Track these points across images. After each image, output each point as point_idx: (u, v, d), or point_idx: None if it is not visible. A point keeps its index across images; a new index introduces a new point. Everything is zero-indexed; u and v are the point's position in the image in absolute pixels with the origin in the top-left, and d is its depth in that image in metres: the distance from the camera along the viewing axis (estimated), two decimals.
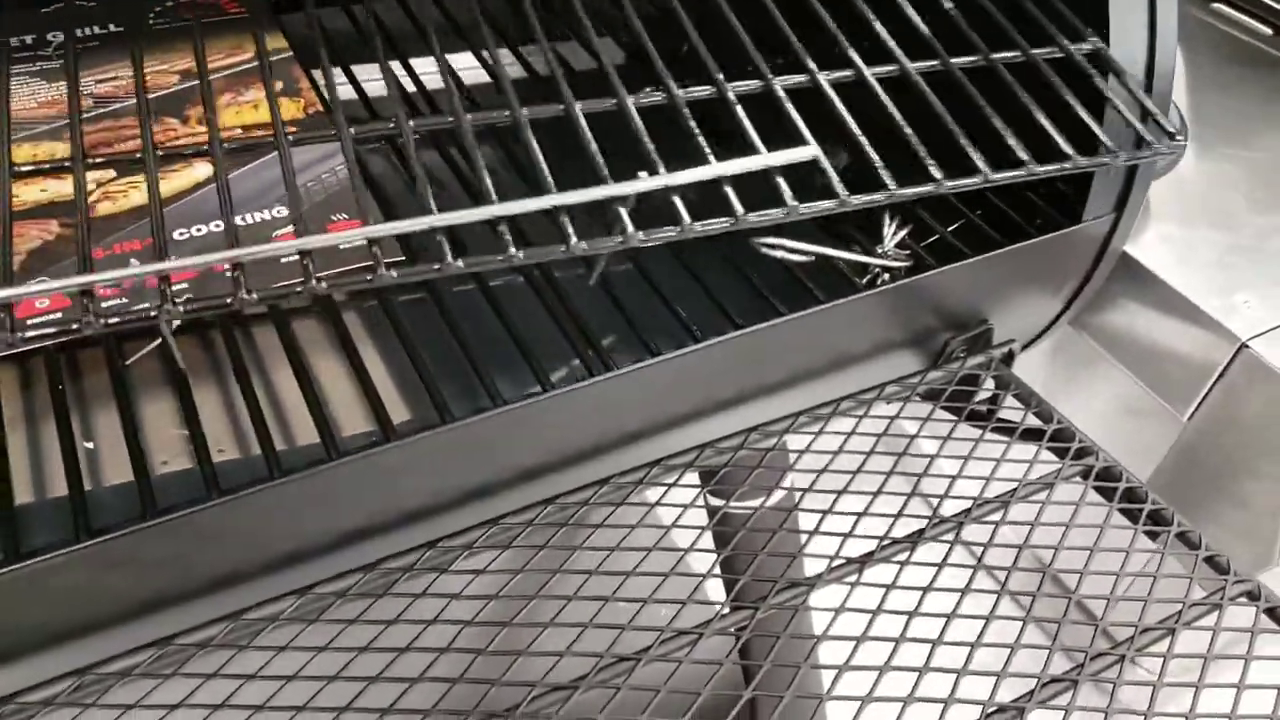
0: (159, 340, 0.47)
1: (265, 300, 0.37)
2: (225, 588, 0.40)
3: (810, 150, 0.38)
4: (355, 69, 0.65)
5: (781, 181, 0.38)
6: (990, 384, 0.54)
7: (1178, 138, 0.45)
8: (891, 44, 0.46)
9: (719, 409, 0.49)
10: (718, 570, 0.42)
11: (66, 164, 0.42)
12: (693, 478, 0.48)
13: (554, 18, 0.58)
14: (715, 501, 0.48)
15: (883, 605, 0.40)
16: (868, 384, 0.53)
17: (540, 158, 0.39)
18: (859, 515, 0.44)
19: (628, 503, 0.44)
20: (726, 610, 0.40)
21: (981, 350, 0.55)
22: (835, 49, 0.46)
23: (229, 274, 0.37)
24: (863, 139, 0.42)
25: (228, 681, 0.36)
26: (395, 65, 0.62)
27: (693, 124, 0.41)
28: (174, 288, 0.47)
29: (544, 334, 0.49)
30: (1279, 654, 0.39)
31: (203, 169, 0.55)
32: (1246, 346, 0.56)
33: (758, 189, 0.39)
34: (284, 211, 0.52)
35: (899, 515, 0.44)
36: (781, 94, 0.43)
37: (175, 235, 0.49)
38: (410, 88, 0.64)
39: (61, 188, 0.52)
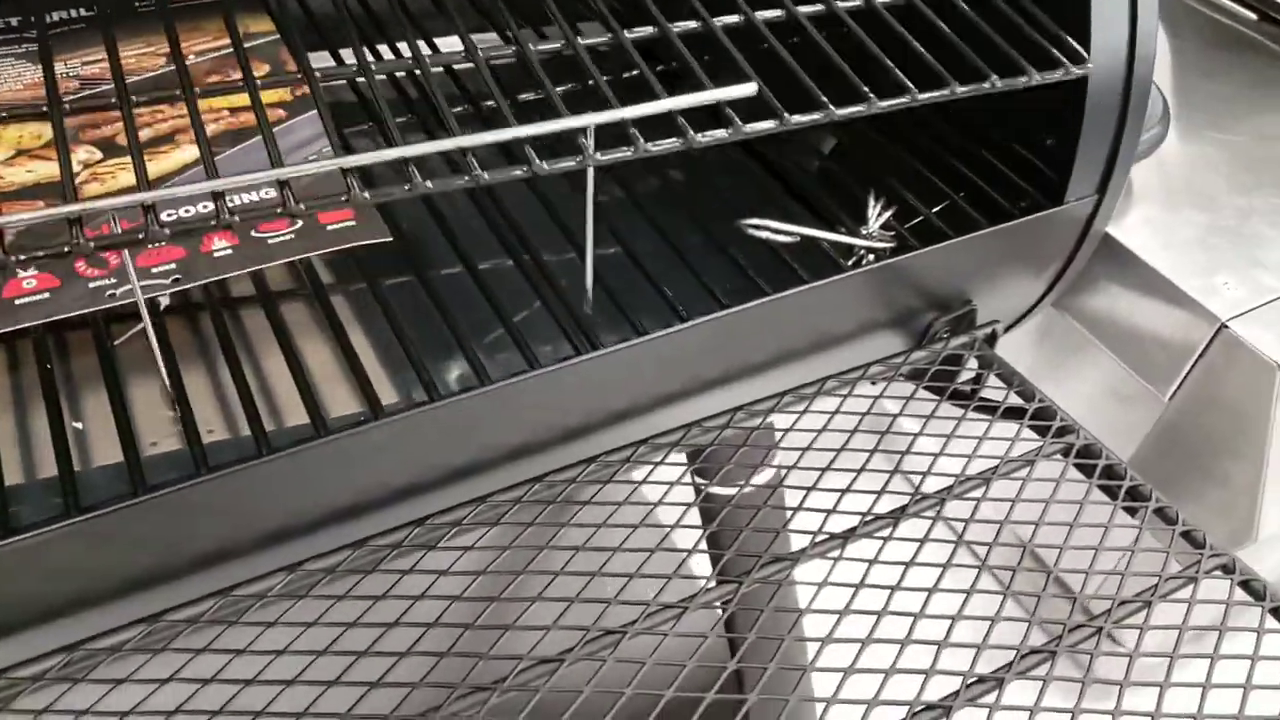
0: (146, 321, 0.47)
1: (246, 218, 0.38)
2: (214, 564, 0.40)
3: (751, 86, 0.41)
4: (342, 53, 0.64)
5: (731, 113, 0.41)
6: (973, 364, 0.55)
7: (1086, 62, 0.47)
8: None
9: (705, 388, 0.50)
10: (703, 546, 0.43)
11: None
12: (679, 456, 0.48)
13: None
14: (701, 479, 0.49)
15: (865, 579, 0.40)
16: (852, 364, 0.53)
17: (501, 96, 0.42)
18: (842, 492, 0.44)
19: (615, 480, 0.45)
20: (712, 585, 0.41)
21: (965, 331, 0.56)
22: None
23: (212, 204, 0.38)
24: (799, 69, 0.44)
25: (217, 656, 0.37)
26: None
27: (642, 63, 0.44)
28: (161, 267, 0.47)
29: (532, 315, 0.49)
30: (1252, 625, 0.39)
31: (190, 150, 0.55)
32: (1226, 327, 0.57)
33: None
34: (273, 194, 0.52)
35: (881, 492, 0.44)
36: (720, 33, 0.45)
37: (164, 216, 0.50)
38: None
39: (50, 169, 0.52)
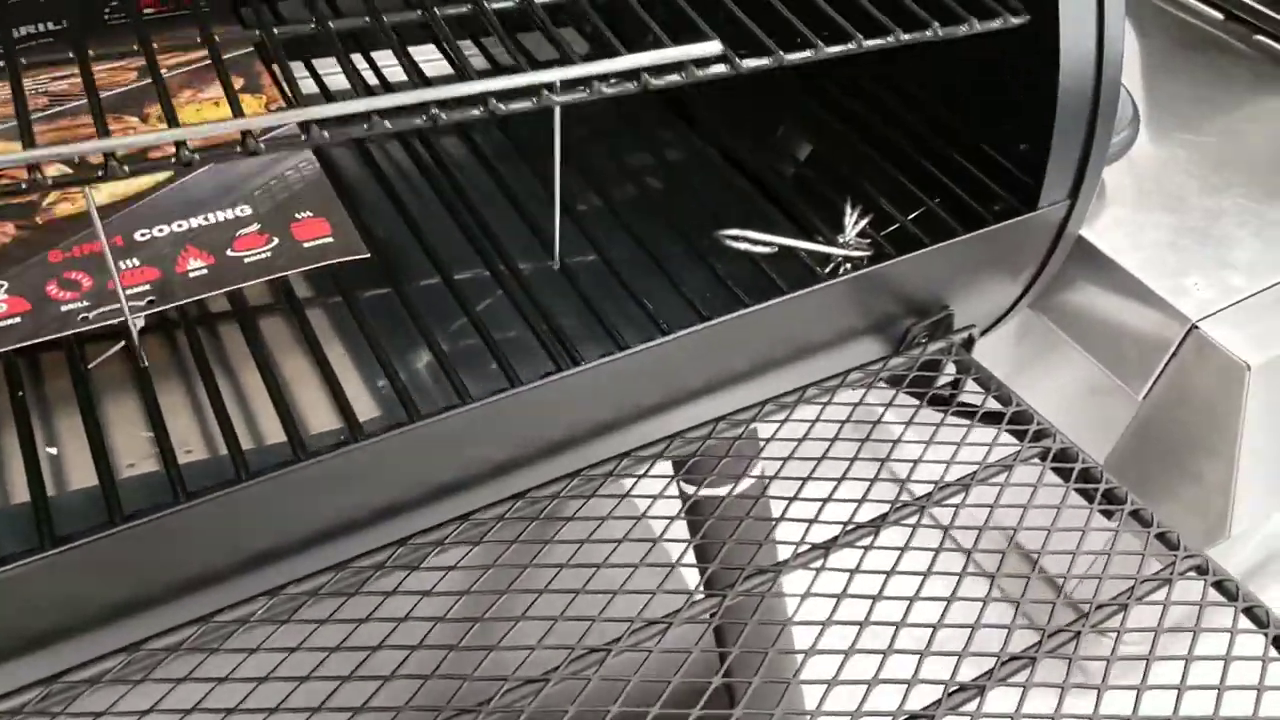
0: (122, 343, 0.47)
1: (207, 159, 0.39)
2: (194, 590, 0.40)
3: (715, 45, 0.42)
4: (316, 63, 0.64)
5: (688, 61, 0.42)
6: (951, 369, 0.55)
7: (1023, 13, 0.49)
8: None
9: (687, 399, 0.50)
10: (689, 559, 0.43)
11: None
12: (663, 468, 0.48)
13: None
14: (686, 488, 0.49)
15: (848, 589, 0.41)
16: (832, 371, 0.54)
17: (462, 54, 0.43)
18: (824, 501, 0.45)
19: (599, 495, 0.45)
20: (697, 598, 0.41)
21: (943, 336, 0.56)
22: None
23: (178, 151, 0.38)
24: (744, 18, 0.46)
25: (199, 685, 0.36)
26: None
27: (601, 24, 0.45)
28: (135, 289, 0.47)
29: (510, 329, 0.49)
30: (1226, 626, 0.40)
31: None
32: (1196, 327, 0.58)
33: None
34: (248, 210, 0.51)
35: (863, 500, 0.45)
36: None
37: (137, 236, 0.49)
38: (373, 81, 0.63)
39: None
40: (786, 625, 0.39)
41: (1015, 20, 0.49)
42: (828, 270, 0.55)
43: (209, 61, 0.58)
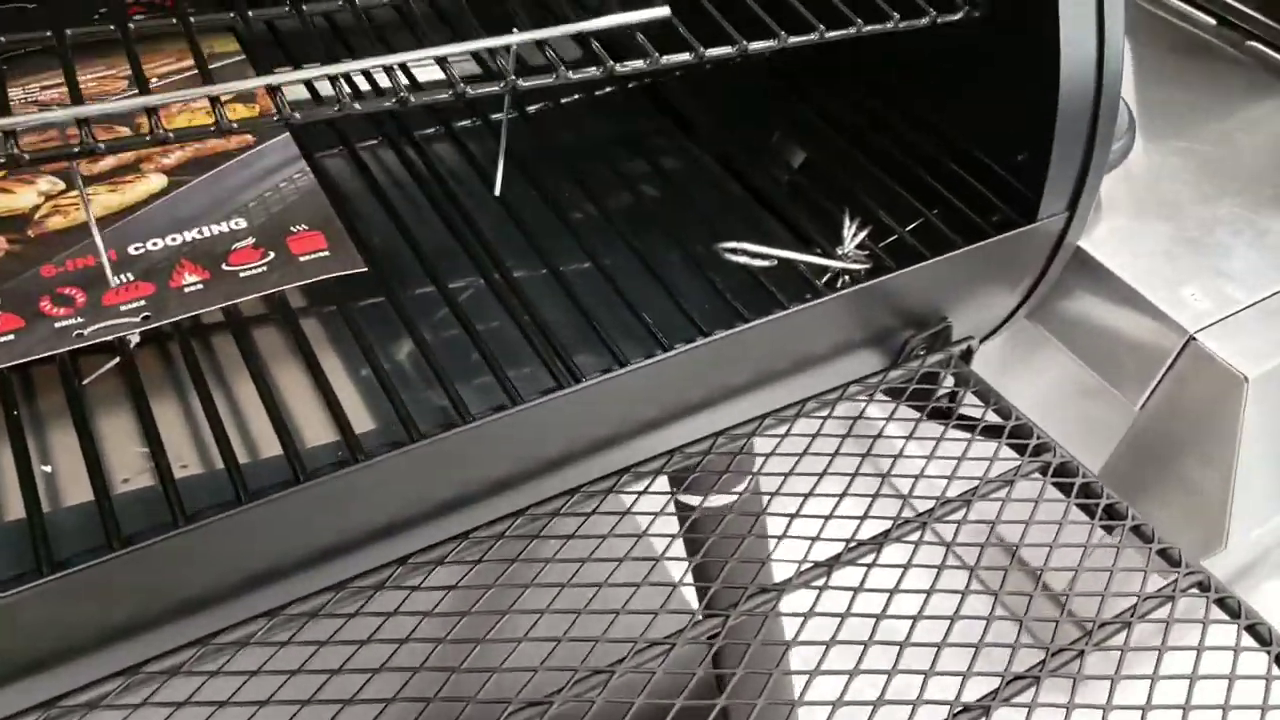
0: (117, 359, 0.46)
1: (182, 136, 0.40)
2: (193, 612, 0.40)
3: (663, 10, 0.43)
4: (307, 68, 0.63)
5: (641, 37, 0.44)
6: (950, 381, 0.55)
7: (975, 8, 0.51)
8: None
9: (687, 414, 0.50)
10: (689, 579, 0.43)
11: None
12: (662, 483, 0.48)
13: None
14: (686, 503, 0.49)
15: (851, 608, 0.41)
16: (831, 383, 0.53)
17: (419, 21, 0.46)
18: (826, 517, 0.44)
19: (599, 512, 0.44)
20: (700, 618, 0.41)
21: (941, 348, 0.56)
22: None
23: (149, 119, 0.39)
24: (716, 13, 0.47)
25: (198, 710, 0.36)
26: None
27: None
28: (131, 304, 0.46)
29: (508, 342, 0.49)
30: (1229, 643, 0.40)
31: (156, 180, 0.53)
32: (1194, 339, 0.58)
33: None
34: (242, 224, 0.51)
35: (865, 516, 0.45)
36: None
37: (131, 250, 0.48)
38: (364, 86, 0.62)
39: (10, 202, 0.51)
40: (790, 646, 0.39)
41: (977, 14, 0.51)
42: (825, 280, 0.55)
43: (197, 71, 0.58)
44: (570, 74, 0.42)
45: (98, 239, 0.40)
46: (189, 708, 0.36)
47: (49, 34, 0.53)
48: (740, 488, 0.49)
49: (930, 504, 0.46)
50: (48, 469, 0.44)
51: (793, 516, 0.44)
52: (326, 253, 0.49)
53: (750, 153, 0.68)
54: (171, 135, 0.40)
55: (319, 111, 0.41)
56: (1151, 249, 0.63)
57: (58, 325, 0.44)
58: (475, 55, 0.55)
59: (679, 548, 0.44)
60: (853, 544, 0.44)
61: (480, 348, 0.46)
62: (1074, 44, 0.50)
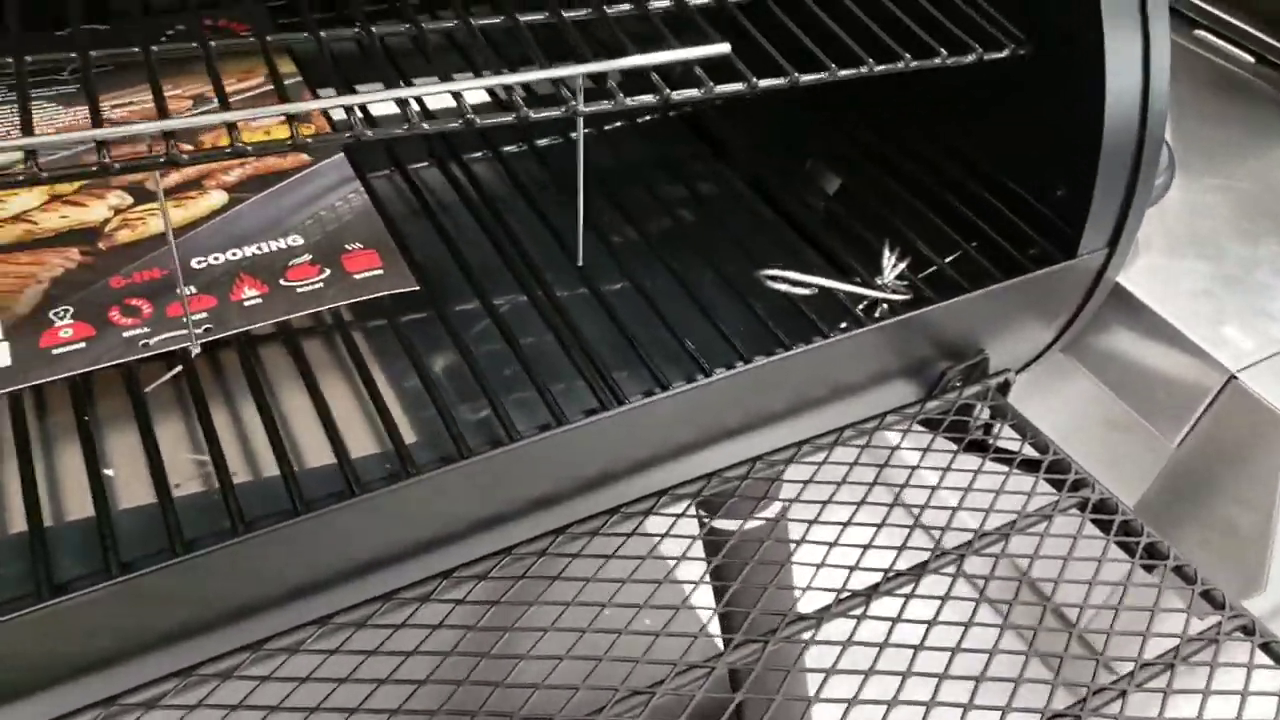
0: (179, 368, 0.48)
1: (260, 151, 0.43)
2: (246, 617, 0.41)
3: (724, 47, 0.45)
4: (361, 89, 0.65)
5: (702, 74, 0.45)
6: (986, 413, 0.55)
7: (1020, 46, 0.52)
8: None
9: (724, 438, 0.50)
10: (721, 605, 0.43)
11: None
12: (695, 507, 0.49)
13: None
14: (720, 528, 0.49)
15: (889, 639, 0.41)
16: (867, 412, 0.54)
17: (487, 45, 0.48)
18: (864, 548, 0.45)
19: (638, 533, 0.45)
20: (739, 642, 0.41)
21: (978, 380, 0.56)
22: None
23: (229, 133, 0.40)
24: (766, 43, 0.48)
25: (251, 713, 0.37)
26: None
27: (619, 31, 0.48)
28: (194, 316, 0.48)
29: (551, 359, 0.50)
30: (1274, 689, 0.40)
31: (218, 197, 0.55)
32: (1235, 378, 0.58)
33: None
34: (299, 240, 0.53)
35: (902, 547, 0.45)
36: (695, 12, 0.50)
37: (193, 264, 0.50)
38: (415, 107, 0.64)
39: (82, 215, 0.53)
40: (828, 674, 0.39)
41: (1020, 51, 0.52)
42: (861, 308, 0.56)
43: (260, 92, 0.60)
44: (629, 100, 0.44)
45: (174, 252, 0.42)
46: (241, 710, 0.37)
47: (137, 50, 0.55)
48: (773, 514, 0.50)
49: (967, 536, 0.46)
50: (110, 473, 0.46)
51: (831, 545, 0.45)
52: (380, 271, 0.51)
53: (785, 178, 0.69)
54: (250, 149, 0.42)
55: (389, 129, 0.43)
56: (1191, 287, 0.63)
57: (126, 335, 0.46)
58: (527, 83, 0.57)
59: (698, 571, 0.45)
60: (891, 574, 0.44)
61: (526, 367, 0.48)
62: (1119, 79, 0.50)
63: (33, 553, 0.38)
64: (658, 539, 0.45)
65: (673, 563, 0.44)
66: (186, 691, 0.38)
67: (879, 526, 0.46)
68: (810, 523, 0.46)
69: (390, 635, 0.40)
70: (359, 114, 0.42)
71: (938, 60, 0.50)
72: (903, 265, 0.56)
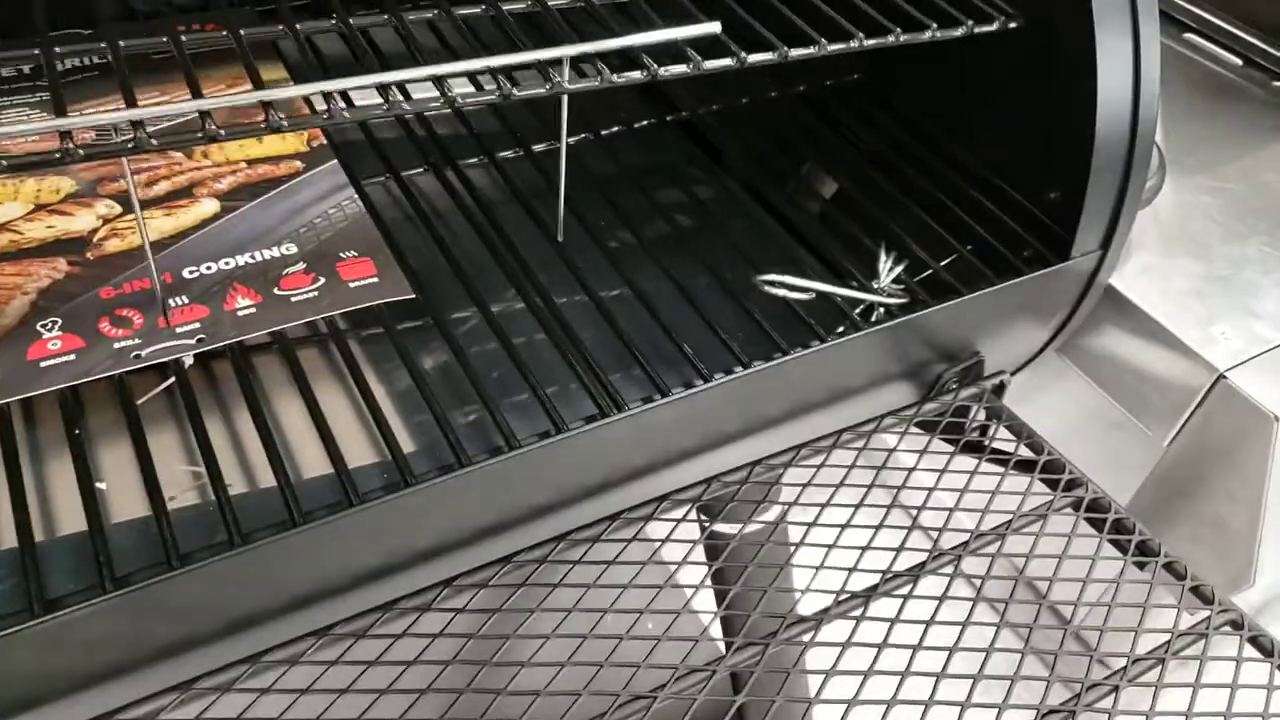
0: (172, 379, 0.47)
1: (233, 135, 0.41)
2: (243, 629, 0.40)
3: (714, 26, 0.44)
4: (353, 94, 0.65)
5: (691, 51, 0.45)
6: (982, 415, 0.56)
7: (1010, 20, 0.52)
8: None
9: (723, 442, 0.50)
10: (722, 608, 0.43)
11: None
12: (695, 511, 0.49)
13: None
14: (719, 531, 0.49)
15: (888, 639, 0.41)
16: (864, 415, 0.54)
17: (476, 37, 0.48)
18: (862, 549, 0.45)
19: (638, 539, 0.45)
20: (739, 644, 0.41)
21: (973, 381, 0.57)
22: None
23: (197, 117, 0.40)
24: (750, 19, 0.48)
25: None
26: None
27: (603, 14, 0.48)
28: (186, 326, 0.48)
29: (549, 365, 0.50)
30: (1262, 682, 0.41)
31: (209, 205, 0.55)
32: (1224, 377, 0.58)
33: None
34: (293, 249, 0.52)
35: (901, 548, 0.45)
36: None
37: (185, 273, 0.50)
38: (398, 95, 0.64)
39: (68, 225, 0.52)
40: (828, 675, 0.39)
41: (1011, 25, 0.52)
42: (858, 311, 0.56)
43: (249, 99, 0.59)
44: (615, 77, 0.43)
45: (150, 258, 0.42)
46: None
47: (103, 45, 0.55)
48: (773, 517, 0.50)
49: (964, 537, 0.47)
50: (102, 486, 0.45)
51: (830, 548, 0.45)
52: (376, 279, 0.51)
53: (781, 182, 0.69)
54: (223, 133, 0.40)
55: (367, 112, 0.43)
56: (1181, 287, 0.64)
57: (117, 346, 0.46)
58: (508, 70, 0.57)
59: (698, 576, 0.45)
60: (889, 575, 0.45)
61: (525, 374, 0.47)
62: (1110, 82, 0.51)
63: (24, 568, 0.37)
64: (658, 544, 0.45)
65: (673, 567, 0.44)
66: (185, 705, 0.38)
67: (877, 528, 0.46)
68: (810, 525, 0.46)
69: (391, 645, 0.40)
70: (339, 100, 0.42)
71: (927, 35, 0.49)
72: (899, 269, 0.57)
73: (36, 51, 0.45)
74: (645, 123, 0.70)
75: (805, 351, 0.48)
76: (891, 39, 0.49)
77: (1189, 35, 0.92)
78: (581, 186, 0.63)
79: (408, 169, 0.63)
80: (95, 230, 0.52)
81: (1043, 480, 0.51)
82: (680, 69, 0.44)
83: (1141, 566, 0.47)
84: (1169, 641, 0.42)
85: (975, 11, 0.51)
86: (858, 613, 0.43)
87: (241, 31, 0.53)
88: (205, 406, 0.50)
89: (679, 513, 0.48)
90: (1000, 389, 0.57)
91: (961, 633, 0.42)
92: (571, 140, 0.67)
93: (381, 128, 0.66)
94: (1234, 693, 0.40)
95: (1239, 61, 0.88)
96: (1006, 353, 0.59)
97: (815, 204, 0.71)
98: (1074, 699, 0.40)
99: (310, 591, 0.41)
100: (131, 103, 0.42)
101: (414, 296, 0.50)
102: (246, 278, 0.50)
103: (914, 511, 0.48)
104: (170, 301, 0.48)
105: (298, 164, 0.59)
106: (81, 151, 0.38)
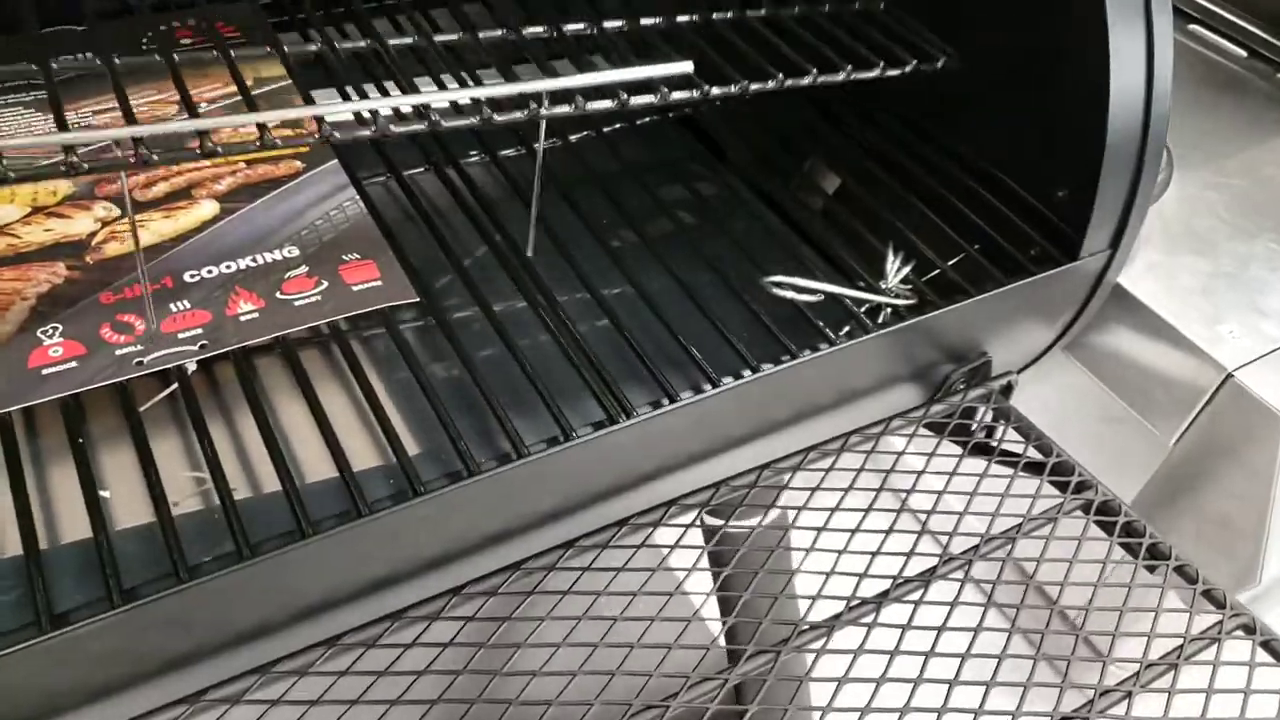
0: (175, 385, 0.47)
1: (229, 153, 0.45)
2: (251, 639, 0.40)
3: (686, 66, 0.48)
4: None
5: (664, 88, 0.49)
6: (990, 416, 0.56)
7: (939, 57, 0.57)
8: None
9: (731, 446, 0.50)
10: (733, 616, 0.43)
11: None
12: (703, 517, 0.48)
13: None
14: (730, 535, 0.49)
15: (900, 645, 0.41)
16: (871, 417, 0.54)
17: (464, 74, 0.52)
18: (873, 554, 0.45)
19: (647, 545, 0.45)
20: (750, 653, 0.41)
21: (980, 382, 0.56)
22: None
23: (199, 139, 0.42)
24: (707, 47, 0.54)
25: None
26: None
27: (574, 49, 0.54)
28: (188, 332, 0.47)
29: (555, 369, 0.49)
30: (1274, 687, 0.41)
31: (209, 207, 0.54)
32: (1233, 376, 0.58)
33: None
34: (295, 252, 0.52)
35: (911, 553, 0.45)
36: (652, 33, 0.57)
37: (186, 277, 0.49)
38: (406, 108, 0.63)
39: (67, 228, 0.51)
40: (840, 683, 0.39)
41: (954, 65, 0.56)
42: (864, 310, 0.55)
43: (238, 99, 0.59)
44: (588, 105, 0.47)
45: (142, 267, 0.41)
46: None
47: (98, 61, 0.54)
48: (782, 522, 0.50)
49: (973, 541, 0.47)
50: (106, 494, 0.45)
51: (840, 553, 0.45)
52: (379, 282, 0.50)
53: (785, 179, 0.68)
54: (220, 150, 0.42)
55: (356, 132, 0.45)
56: (1188, 285, 0.64)
57: (119, 353, 0.45)
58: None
59: (708, 582, 0.45)
60: (900, 580, 0.44)
61: (531, 378, 0.47)
62: (1123, 78, 0.50)
63: (30, 581, 0.37)
64: (667, 550, 0.45)
65: (682, 574, 0.43)
66: (194, 717, 0.37)
67: (887, 533, 0.46)
68: (819, 530, 0.46)
69: (400, 655, 0.40)
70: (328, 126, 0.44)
71: (875, 73, 0.54)
72: (907, 269, 0.56)
73: (35, 68, 0.45)
74: (647, 119, 0.69)
75: (815, 355, 0.48)
76: (841, 76, 0.54)
77: (1193, 26, 0.91)
78: (583, 183, 0.62)
79: (408, 168, 0.62)
80: (94, 233, 0.52)
81: (1052, 482, 0.50)
82: (649, 98, 0.48)
83: (1152, 570, 0.47)
84: (1181, 646, 0.42)
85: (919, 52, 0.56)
86: (869, 619, 0.43)
87: (232, 50, 0.53)
88: (208, 411, 0.49)
89: (687, 518, 0.47)
90: (1008, 390, 0.56)
91: (973, 639, 0.42)
92: (573, 137, 0.67)
93: (348, 126, 0.66)
94: (1247, 698, 0.40)
95: (1243, 53, 0.88)
96: (1012, 352, 0.59)
97: (818, 200, 0.70)
98: (1087, 705, 0.40)
99: (319, 601, 0.41)
100: (130, 118, 0.42)
101: (418, 300, 0.49)
102: (248, 281, 0.50)
103: (923, 516, 0.47)
104: (171, 306, 0.47)
105: (297, 164, 0.58)
106: (85, 165, 0.38)
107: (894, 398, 0.55)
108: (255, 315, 0.48)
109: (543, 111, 0.46)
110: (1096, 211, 0.53)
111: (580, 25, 0.56)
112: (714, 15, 0.59)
